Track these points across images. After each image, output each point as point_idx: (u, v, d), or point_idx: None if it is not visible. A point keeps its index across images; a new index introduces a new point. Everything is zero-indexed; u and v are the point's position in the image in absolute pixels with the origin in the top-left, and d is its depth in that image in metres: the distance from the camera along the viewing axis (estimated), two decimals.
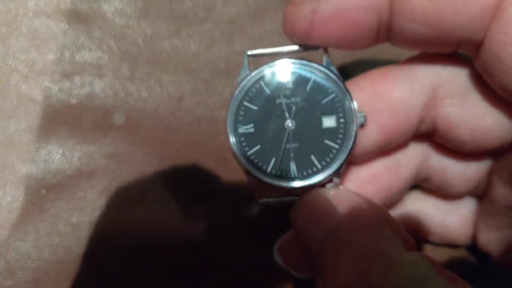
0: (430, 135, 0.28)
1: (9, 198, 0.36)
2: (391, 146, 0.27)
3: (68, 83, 0.37)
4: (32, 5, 0.37)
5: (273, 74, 0.26)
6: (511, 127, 0.25)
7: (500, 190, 0.27)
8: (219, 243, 0.37)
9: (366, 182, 0.28)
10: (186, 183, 0.38)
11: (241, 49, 0.38)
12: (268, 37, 0.38)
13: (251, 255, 0.37)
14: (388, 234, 0.20)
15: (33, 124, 0.37)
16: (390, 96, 0.25)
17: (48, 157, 0.37)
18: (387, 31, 0.24)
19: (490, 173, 0.28)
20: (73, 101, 0.37)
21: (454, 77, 0.26)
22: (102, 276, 0.36)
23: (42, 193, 0.37)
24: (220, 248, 0.38)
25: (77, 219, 0.37)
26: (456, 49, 0.24)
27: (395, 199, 0.29)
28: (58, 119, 0.37)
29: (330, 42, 0.25)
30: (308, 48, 0.26)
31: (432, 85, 0.26)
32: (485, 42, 0.22)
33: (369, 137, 0.26)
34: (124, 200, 0.37)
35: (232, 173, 0.38)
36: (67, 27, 0.37)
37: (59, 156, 0.37)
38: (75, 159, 0.37)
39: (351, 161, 0.27)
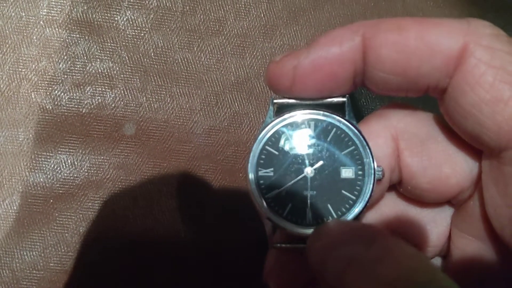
0: (397, 186, 0.29)
1: (15, 207, 0.36)
2: (373, 202, 0.29)
3: (78, 93, 0.37)
4: (44, 13, 0.37)
5: (296, 122, 0.27)
6: (467, 174, 0.27)
7: (460, 243, 0.28)
8: (228, 253, 0.38)
9: None
10: (195, 194, 0.38)
11: (251, 62, 0.39)
12: (279, 52, 0.39)
13: (257, 266, 0.37)
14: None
15: (42, 133, 0.37)
16: None
17: (56, 167, 0.37)
18: (362, 78, 0.26)
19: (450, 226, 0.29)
20: (83, 110, 0.37)
21: (410, 128, 0.27)
22: (108, 286, 0.36)
23: (49, 203, 0.36)
24: (227, 258, 0.38)
25: (85, 229, 0.37)
26: (426, 93, 0.26)
27: None
28: (67, 129, 0.37)
29: (311, 93, 0.27)
30: (330, 101, 0.27)
31: (392, 137, 0.27)
32: (448, 88, 0.24)
33: None
34: (131, 211, 0.37)
35: (240, 185, 0.39)
36: (78, 36, 0.37)
37: (68, 165, 0.37)
38: (84, 169, 0.37)
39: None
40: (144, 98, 0.38)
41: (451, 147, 0.27)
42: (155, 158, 0.37)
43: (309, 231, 0.26)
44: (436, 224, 0.30)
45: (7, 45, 0.37)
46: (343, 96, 0.27)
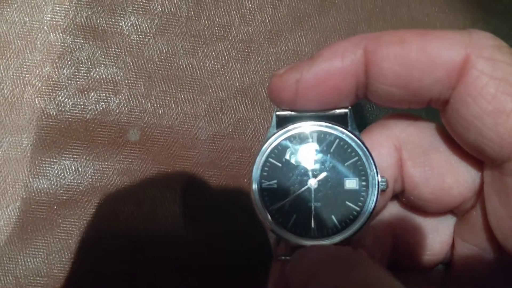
0: (399, 196, 0.29)
1: (19, 213, 0.36)
2: (376, 213, 0.29)
3: (83, 99, 0.37)
4: (48, 19, 0.37)
5: (299, 134, 0.27)
6: (469, 185, 0.27)
7: (463, 252, 0.28)
8: (232, 259, 0.38)
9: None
10: (199, 201, 0.38)
11: (256, 68, 0.39)
12: (284, 57, 0.39)
13: (259, 272, 0.37)
14: (398, 284, 0.21)
15: (46, 139, 0.36)
16: None
17: (60, 173, 0.36)
18: (365, 91, 0.26)
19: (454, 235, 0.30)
20: (88, 116, 0.37)
21: (412, 139, 0.27)
22: None
23: (53, 209, 0.36)
24: (230, 263, 0.38)
25: (88, 235, 0.36)
26: (428, 105, 0.26)
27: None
28: (71, 135, 0.37)
29: (314, 106, 0.27)
30: (333, 112, 0.27)
31: (396, 147, 0.27)
32: (450, 100, 0.24)
33: None
34: (136, 217, 0.37)
35: (244, 191, 0.38)
36: (83, 42, 0.37)
37: (72, 171, 0.36)
38: (88, 175, 0.37)
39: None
40: (149, 103, 0.37)
41: (453, 157, 0.27)
42: (159, 164, 0.37)
43: (314, 242, 0.26)
44: (438, 232, 0.30)
45: (11, 51, 0.37)
46: (346, 108, 0.27)
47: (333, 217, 0.26)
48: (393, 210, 0.30)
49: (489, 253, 0.27)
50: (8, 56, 0.37)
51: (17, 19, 0.37)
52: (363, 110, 0.40)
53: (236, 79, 0.38)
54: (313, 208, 0.26)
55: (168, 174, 0.38)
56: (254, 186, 0.26)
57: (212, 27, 0.38)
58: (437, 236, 0.30)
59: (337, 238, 0.26)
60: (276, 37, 0.39)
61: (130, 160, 0.37)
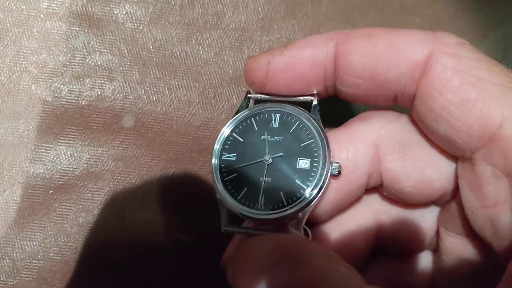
0: (378, 189, 0.30)
1: (16, 198, 0.37)
2: (346, 203, 0.29)
3: (78, 85, 0.37)
4: (44, 7, 0.38)
5: (263, 114, 0.29)
6: (450, 176, 0.27)
7: (447, 241, 0.29)
8: (225, 245, 0.38)
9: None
10: (192, 187, 0.38)
11: (249, 56, 0.39)
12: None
13: None
14: (344, 270, 0.21)
15: (42, 124, 0.37)
16: (337, 158, 0.28)
17: (56, 158, 0.37)
18: (333, 83, 0.27)
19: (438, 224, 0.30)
20: (83, 103, 0.37)
21: (392, 134, 0.28)
22: (107, 276, 0.37)
23: (49, 193, 0.37)
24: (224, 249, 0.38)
25: (84, 219, 0.37)
26: (395, 103, 0.27)
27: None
28: (67, 121, 0.37)
29: (283, 90, 0.28)
30: (300, 97, 0.29)
31: (374, 143, 0.28)
32: (417, 95, 0.25)
33: (326, 196, 0.28)
34: (130, 202, 0.38)
35: None
36: (78, 29, 0.38)
37: (67, 157, 0.37)
38: (83, 160, 0.37)
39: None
40: (143, 90, 0.38)
41: (434, 150, 0.27)
42: (154, 150, 0.38)
43: (258, 215, 0.27)
44: (422, 219, 0.30)
45: (8, 38, 0.37)
46: (312, 95, 0.28)
47: (281, 193, 0.27)
48: (376, 201, 0.31)
49: (472, 241, 0.28)
50: (5, 43, 0.37)
51: (14, 7, 0.38)
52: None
53: (230, 67, 0.39)
54: (263, 182, 0.28)
55: (162, 160, 0.38)
56: (214, 157, 0.29)
57: (205, 15, 0.39)
58: (423, 223, 0.30)
59: (282, 214, 0.27)
60: (269, 25, 0.40)
61: (124, 146, 0.38)
